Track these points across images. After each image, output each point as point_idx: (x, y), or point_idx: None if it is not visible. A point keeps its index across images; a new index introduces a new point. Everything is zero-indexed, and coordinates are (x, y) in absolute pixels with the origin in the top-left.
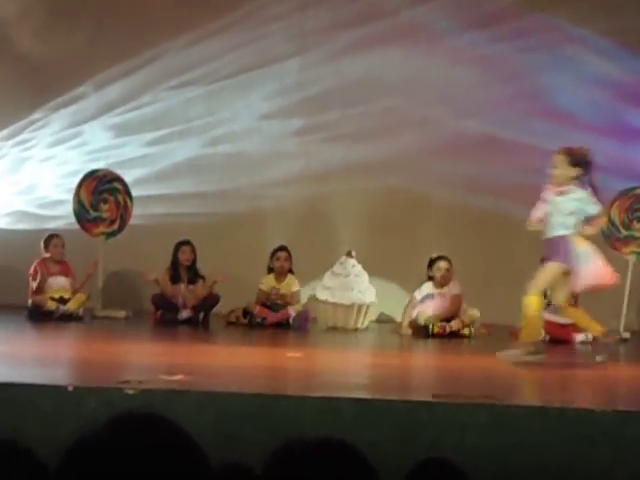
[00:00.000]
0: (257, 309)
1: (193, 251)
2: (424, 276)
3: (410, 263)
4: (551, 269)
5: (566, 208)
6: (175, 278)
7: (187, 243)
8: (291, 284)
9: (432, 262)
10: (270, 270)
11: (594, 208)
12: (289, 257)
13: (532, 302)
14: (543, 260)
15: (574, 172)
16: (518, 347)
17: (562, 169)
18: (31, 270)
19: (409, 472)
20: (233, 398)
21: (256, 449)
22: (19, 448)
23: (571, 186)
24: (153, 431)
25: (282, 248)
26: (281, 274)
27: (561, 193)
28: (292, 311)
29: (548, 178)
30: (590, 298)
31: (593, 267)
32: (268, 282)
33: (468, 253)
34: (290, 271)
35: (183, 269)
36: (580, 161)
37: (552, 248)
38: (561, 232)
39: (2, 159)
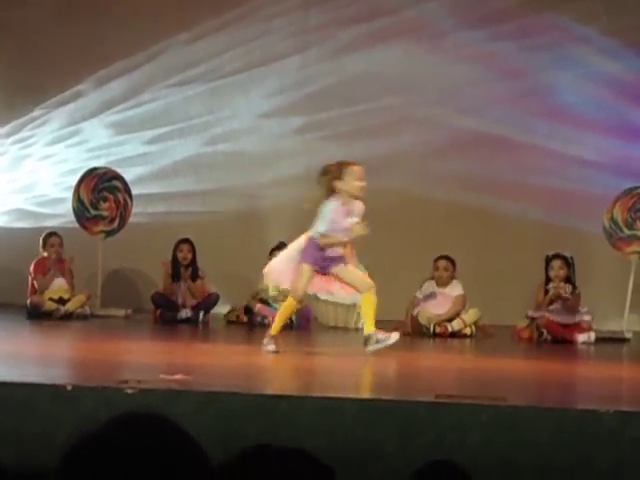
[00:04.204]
0: (257, 307)
1: (192, 249)
2: (425, 275)
3: (410, 262)
4: None
5: None
6: (175, 276)
7: (185, 241)
8: None
9: (435, 261)
10: None
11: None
12: None
13: None
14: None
15: None
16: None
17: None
18: (31, 268)
19: (413, 474)
20: (233, 398)
21: None
22: None
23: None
24: (154, 431)
25: (281, 245)
26: None
27: None
28: None
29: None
30: (593, 298)
31: None
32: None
33: (468, 252)
34: None
35: (183, 268)
36: None
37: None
38: None
39: (1, 157)
